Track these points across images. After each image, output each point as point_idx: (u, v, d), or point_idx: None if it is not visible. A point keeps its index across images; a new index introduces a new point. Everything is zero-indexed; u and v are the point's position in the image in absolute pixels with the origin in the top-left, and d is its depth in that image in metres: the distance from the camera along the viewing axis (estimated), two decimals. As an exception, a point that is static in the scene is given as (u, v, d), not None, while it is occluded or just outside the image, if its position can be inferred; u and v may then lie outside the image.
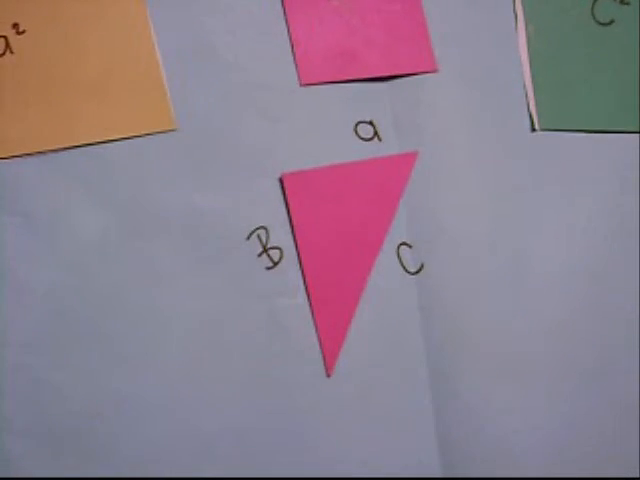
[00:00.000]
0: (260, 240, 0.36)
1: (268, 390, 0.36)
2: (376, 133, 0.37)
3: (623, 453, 0.39)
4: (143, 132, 0.35)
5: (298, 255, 0.36)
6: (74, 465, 0.34)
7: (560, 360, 0.38)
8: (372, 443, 0.37)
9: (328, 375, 0.36)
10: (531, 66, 0.38)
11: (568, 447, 0.38)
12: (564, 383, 0.38)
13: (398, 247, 0.37)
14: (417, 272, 0.37)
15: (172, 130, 0.35)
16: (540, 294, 0.38)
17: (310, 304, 0.36)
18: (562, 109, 0.39)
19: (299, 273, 0.36)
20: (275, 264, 0.36)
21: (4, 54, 0.35)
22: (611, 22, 0.39)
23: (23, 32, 0.35)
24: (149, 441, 0.35)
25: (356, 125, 0.37)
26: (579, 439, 0.38)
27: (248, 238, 0.36)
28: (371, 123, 0.37)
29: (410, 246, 0.37)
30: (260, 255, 0.36)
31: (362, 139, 0.37)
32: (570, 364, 0.38)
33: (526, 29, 0.39)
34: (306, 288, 0.36)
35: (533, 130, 0.39)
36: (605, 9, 0.39)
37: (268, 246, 0.36)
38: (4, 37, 0.35)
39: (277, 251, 0.36)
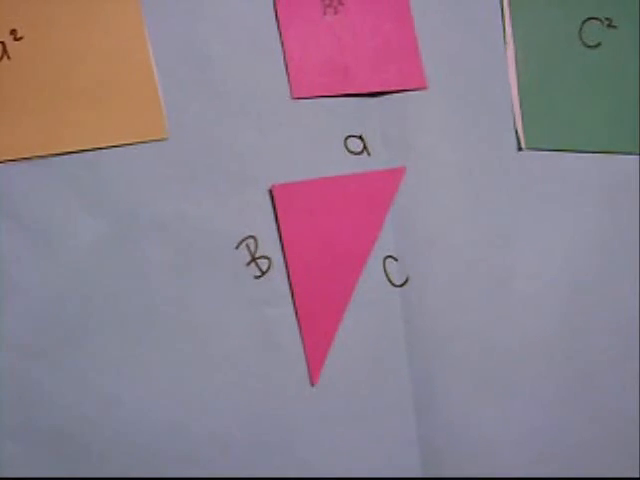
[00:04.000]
0: (249, 249, 0.37)
1: (253, 396, 0.36)
2: (365, 147, 0.38)
3: (600, 460, 0.39)
4: (136, 140, 0.36)
5: (286, 265, 0.37)
6: (63, 467, 0.35)
7: (541, 372, 0.39)
8: (355, 450, 0.37)
9: (313, 383, 0.37)
10: (519, 86, 0.39)
11: (547, 455, 0.39)
12: (544, 394, 0.39)
13: (384, 260, 0.38)
14: (402, 285, 0.38)
15: (165, 139, 0.36)
16: (523, 308, 0.39)
17: (296, 313, 0.37)
18: (548, 129, 0.39)
19: (286, 283, 0.37)
20: (263, 273, 0.37)
21: (1, 59, 0.35)
22: (598, 45, 0.40)
23: (20, 38, 0.35)
24: (137, 444, 0.35)
25: (346, 139, 0.38)
26: (558, 448, 0.39)
27: (237, 247, 0.36)
28: (361, 137, 0.38)
29: (396, 259, 0.38)
30: (249, 264, 0.37)
31: (352, 153, 0.38)
32: (550, 376, 0.39)
33: (515, 50, 0.39)
34: (293, 298, 0.37)
35: (519, 149, 0.39)
36: (593, 32, 0.40)
37: (257, 255, 0.37)
38: (2, 43, 0.35)
39: (265, 260, 0.37)
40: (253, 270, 0.37)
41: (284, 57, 0.37)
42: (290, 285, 0.37)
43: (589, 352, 0.40)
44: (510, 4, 0.39)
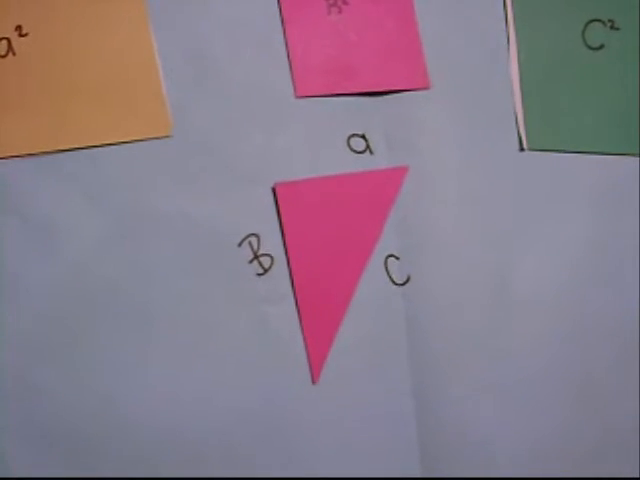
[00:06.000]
0: (251, 247, 0.37)
1: (254, 394, 0.36)
2: (368, 146, 0.38)
3: (603, 464, 0.40)
4: (139, 137, 0.36)
5: (288, 263, 0.37)
6: (66, 465, 0.35)
7: (542, 373, 0.39)
8: (355, 449, 0.37)
9: (314, 382, 0.37)
10: (521, 87, 0.39)
11: (548, 457, 0.39)
12: (545, 396, 0.39)
13: (386, 258, 0.38)
14: (404, 283, 0.38)
15: (168, 136, 0.36)
16: (525, 308, 0.39)
17: (298, 311, 0.37)
18: (550, 130, 0.40)
19: (288, 280, 0.37)
20: (265, 271, 0.37)
21: (6, 55, 0.35)
22: (601, 47, 0.40)
23: (26, 35, 0.35)
24: (139, 442, 0.35)
25: (349, 138, 0.38)
26: (559, 450, 0.39)
27: (240, 245, 0.37)
28: (363, 137, 0.38)
29: (397, 258, 0.38)
30: (251, 262, 0.37)
31: (354, 152, 0.38)
32: (552, 377, 0.39)
33: (518, 50, 0.40)
34: (295, 295, 0.37)
35: (521, 149, 0.39)
36: (595, 34, 0.40)
37: (259, 253, 0.37)
38: (7, 39, 0.35)
39: (268, 258, 0.37)
40: (255, 268, 0.37)
41: (288, 56, 0.37)
42: (292, 283, 0.37)
43: (590, 353, 0.40)
44: (513, 5, 0.40)
